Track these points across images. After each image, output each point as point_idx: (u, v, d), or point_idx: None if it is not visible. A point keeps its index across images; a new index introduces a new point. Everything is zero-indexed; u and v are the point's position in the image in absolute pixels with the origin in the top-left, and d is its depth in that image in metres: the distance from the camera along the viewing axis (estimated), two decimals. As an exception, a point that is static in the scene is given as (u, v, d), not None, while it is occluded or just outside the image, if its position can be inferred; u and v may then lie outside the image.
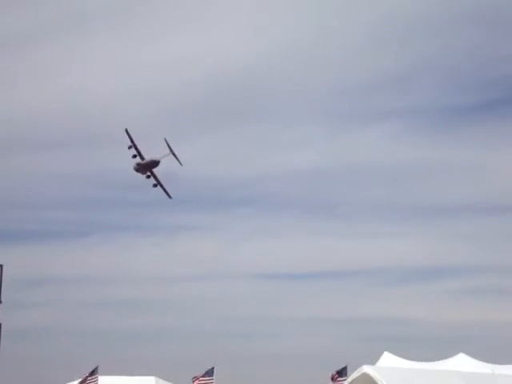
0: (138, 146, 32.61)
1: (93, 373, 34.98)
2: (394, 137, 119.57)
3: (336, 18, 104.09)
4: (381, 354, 40.69)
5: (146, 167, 33.05)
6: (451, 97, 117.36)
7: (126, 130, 32.56)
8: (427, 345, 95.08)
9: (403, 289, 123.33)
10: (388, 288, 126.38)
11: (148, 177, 33.45)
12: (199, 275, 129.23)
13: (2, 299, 28.08)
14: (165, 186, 33.24)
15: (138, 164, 33.35)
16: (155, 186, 33.99)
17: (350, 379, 30.41)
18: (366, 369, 28.86)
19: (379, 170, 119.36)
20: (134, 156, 33.05)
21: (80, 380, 35.56)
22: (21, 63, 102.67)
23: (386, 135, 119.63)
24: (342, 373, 34.46)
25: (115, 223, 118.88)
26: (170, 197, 33.55)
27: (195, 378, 35.74)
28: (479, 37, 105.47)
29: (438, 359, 38.23)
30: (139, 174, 33.35)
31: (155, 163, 32.48)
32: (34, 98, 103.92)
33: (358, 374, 29.34)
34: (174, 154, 32.83)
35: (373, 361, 37.48)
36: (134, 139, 32.52)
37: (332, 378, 35.11)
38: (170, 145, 32.82)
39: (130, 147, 33.60)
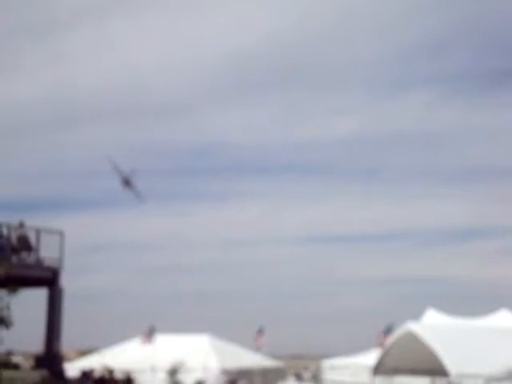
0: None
1: (150, 331, 36.59)
2: (433, 102, 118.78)
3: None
4: (425, 311, 41.68)
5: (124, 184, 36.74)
6: (488, 61, 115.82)
7: (109, 157, 35.95)
8: (470, 302, 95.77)
9: (445, 249, 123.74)
10: (430, 248, 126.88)
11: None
12: (250, 239, 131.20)
13: (64, 264, 29.61)
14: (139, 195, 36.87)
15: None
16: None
17: (395, 336, 31.40)
18: (411, 326, 29.78)
19: (420, 135, 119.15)
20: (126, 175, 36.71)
21: (141, 337, 37.16)
22: (81, 39, 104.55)
23: (425, 101, 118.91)
24: (387, 330, 35.56)
25: (168, 191, 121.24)
26: (141, 201, 37.01)
27: (256, 337, 37.14)
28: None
29: (481, 315, 39.06)
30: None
31: (127, 182, 36.13)
32: (91, 72, 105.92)
33: (403, 330, 30.29)
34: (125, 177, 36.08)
35: (417, 318, 38.48)
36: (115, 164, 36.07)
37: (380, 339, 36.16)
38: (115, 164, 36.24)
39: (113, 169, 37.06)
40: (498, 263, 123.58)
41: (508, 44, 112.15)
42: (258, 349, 38.92)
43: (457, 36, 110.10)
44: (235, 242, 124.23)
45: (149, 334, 37.37)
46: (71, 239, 30.60)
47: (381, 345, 34.93)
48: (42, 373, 20.22)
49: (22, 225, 27.98)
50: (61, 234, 29.63)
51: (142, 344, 37.18)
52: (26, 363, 30.29)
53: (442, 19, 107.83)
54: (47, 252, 29.27)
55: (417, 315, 39.85)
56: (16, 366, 27.38)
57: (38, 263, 28.69)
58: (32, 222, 29.46)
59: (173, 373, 32.73)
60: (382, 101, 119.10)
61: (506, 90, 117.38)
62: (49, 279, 28.71)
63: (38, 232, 28.75)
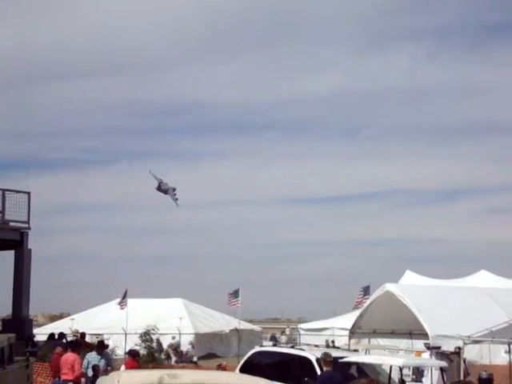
0: None
1: (124, 296, 35.97)
2: (420, 58, 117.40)
3: None
4: (403, 273, 41.45)
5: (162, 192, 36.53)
6: (478, 16, 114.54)
7: (150, 171, 36.17)
8: (449, 263, 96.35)
9: (425, 209, 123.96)
10: (410, 209, 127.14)
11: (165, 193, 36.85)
12: (225, 201, 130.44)
13: (31, 226, 28.77)
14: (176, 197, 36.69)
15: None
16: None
17: (373, 297, 30.92)
18: (389, 287, 29.27)
19: (405, 91, 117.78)
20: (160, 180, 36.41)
21: (119, 302, 36.66)
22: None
23: (412, 57, 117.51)
24: (365, 292, 35.18)
25: (142, 150, 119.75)
26: (177, 205, 36.90)
27: (230, 299, 36.53)
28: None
29: (460, 277, 38.87)
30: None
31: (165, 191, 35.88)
32: (63, 30, 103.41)
33: (381, 292, 29.77)
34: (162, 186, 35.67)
35: (395, 280, 38.14)
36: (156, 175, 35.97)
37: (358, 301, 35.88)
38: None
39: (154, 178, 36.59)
40: (478, 224, 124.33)
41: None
42: (231, 310, 38.49)
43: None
44: (210, 203, 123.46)
45: (122, 298, 36.80)
46: (40, 200, 29.67)
47: (358, 306, 34.59)
48: (10, 337, 19.35)
49: (-14, 185, 27.02)
50: (28, 195, 28.73)
51: (117, 308, 36.61)
52: (-7, 328, 29.44)
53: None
54: (14, 214, 28.40)
55: (395, 277, 39.58)
56: (-18, 331, 26.56)
57: (4, 225, 27.80)
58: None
59: (146, 336, 32.16)
60: (366, 56, 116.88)
61: (495, 46, 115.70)
62: (16, 241, 27.85)
63: (3, 193, 27.81)
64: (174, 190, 35.33)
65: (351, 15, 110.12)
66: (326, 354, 14.53)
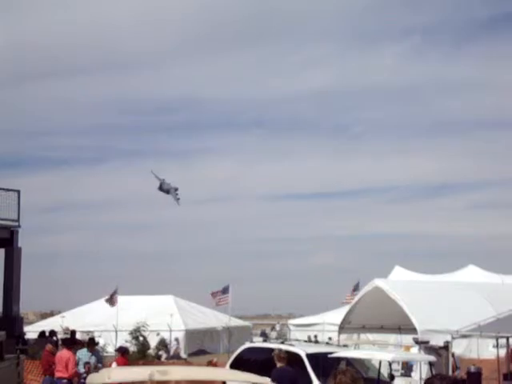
0: None
1: (114, 293, 35.98)
2: (406, 56, 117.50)
3: None
4: (392, 268, 41.62)
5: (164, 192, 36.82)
6: (463, 13, 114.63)
7: (152, 171, 36.43)
8: (437, 258, 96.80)
9: (413, 205, 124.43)
10: (398, 204, 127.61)
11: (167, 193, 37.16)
12: (214, 198, 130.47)
13: (21, 224, 28.78)
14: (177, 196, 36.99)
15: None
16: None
17: (362, 293, 31.08)
18: (378, 282, 29.41)
19: (391, 89, 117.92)
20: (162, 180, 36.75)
21: (106, 298, 36.60)
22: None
23: (397, 54, 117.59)
24: (354, 287, 35.46)
25: (132, 149, 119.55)
26: (179, 204, 37.11)
27: (214, 294, 36.58)
28: None
29: (448, 272, 39.08)
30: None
31: (166, 190, 36.14)
32: (55, 27, 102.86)
33: (370, 287, 29.92)
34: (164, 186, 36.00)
35: (384, 275, 38.35)
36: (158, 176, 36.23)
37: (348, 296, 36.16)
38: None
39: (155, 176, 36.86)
40: (466, 219, 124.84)
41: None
42: (217, 306, 38.53)
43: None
44: (200, 200, 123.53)
45: (112, 296, 36.79)
46: (30, 198, 29.75)
47: (348, 302, 34.86)
48: (0, 335, 19.43)
49: (-24, 183, 26.98)
50: (18, 193, 28.73)
51: (107, 305, 36.62)
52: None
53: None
54: (4, 212, 28.39)
55: (385, 273, 39.79)
56: (-27, 329, 26.52)
57: (-6, 223, 27.78)
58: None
59: (136, 333, 32.22)
60: (355, 53, 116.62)
61: (483, 43, 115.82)
62: (6, 239, 27.84)
63: (-7, 191, 27.79)
64: (176, 189, 35.44)
65: (339, 12, 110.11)
66: (279, 350, 14.59)
